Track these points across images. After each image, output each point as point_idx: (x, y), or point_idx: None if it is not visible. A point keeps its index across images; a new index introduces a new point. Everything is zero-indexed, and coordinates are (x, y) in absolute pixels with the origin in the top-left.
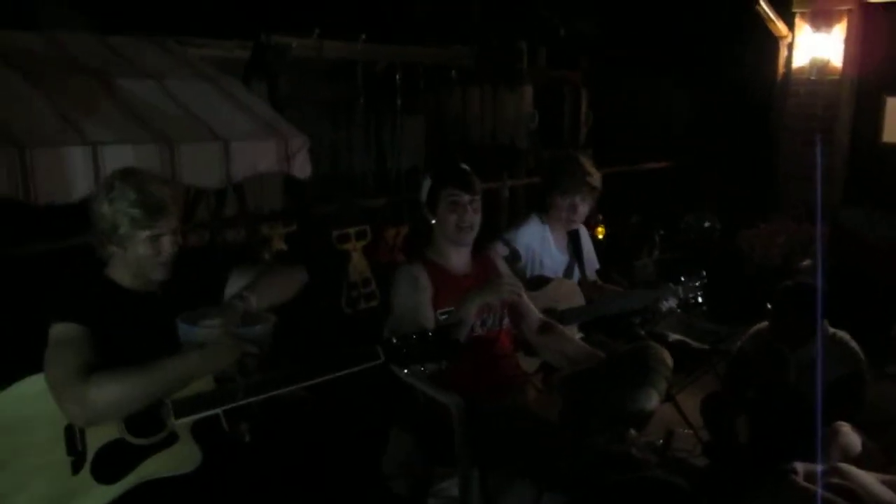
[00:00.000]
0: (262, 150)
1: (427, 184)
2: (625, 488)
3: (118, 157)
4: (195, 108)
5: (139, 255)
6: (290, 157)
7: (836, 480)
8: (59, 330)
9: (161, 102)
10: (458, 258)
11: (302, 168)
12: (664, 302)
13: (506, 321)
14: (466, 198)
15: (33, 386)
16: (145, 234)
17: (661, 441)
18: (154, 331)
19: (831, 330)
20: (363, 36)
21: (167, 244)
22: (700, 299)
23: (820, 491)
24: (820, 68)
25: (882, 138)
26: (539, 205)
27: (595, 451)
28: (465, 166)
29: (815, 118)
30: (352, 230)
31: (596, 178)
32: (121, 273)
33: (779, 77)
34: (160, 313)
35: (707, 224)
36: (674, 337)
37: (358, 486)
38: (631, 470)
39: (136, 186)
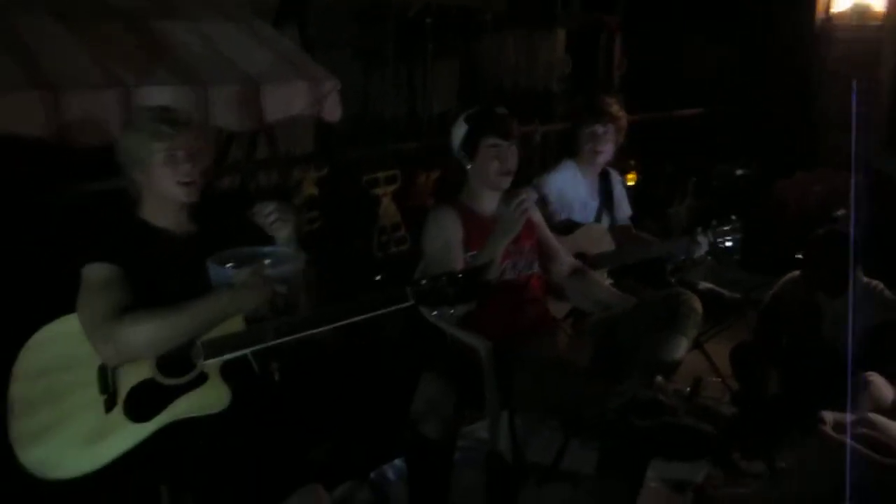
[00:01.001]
0: (294, 93)
1: (462, 129)
2: (652, 434)
3: (151, 98)
4: (227, 50)
5: (160, 176)
6: (320, 100)
7: (865, 431)
8: (91, 271)
9: (194, 44)
10: (490, 201)
11: (332, 111)
12: (695, 249)
13: (536, 265)
14: (506, 144)
15: (69, 326)
16: (164, 146)
17: (690, 389)
18: (186, 271)
19: (865, 279)
20: None
21: (185, 160)
22: (730, 245)
23: (849, 441)
24: (861, 13)
25: None
26: (570, 151)
27: (623, 397)
28: (502, 110)
29: (856, 64)
30: (381, 175)
31: (615, 107)
32: (153, 210)
33: (819, 22)
34: (193, 254)
35: (741, 172)
36: (704, 285)
37: (387, 427)
38: (659, 416)
39: (157, 108)
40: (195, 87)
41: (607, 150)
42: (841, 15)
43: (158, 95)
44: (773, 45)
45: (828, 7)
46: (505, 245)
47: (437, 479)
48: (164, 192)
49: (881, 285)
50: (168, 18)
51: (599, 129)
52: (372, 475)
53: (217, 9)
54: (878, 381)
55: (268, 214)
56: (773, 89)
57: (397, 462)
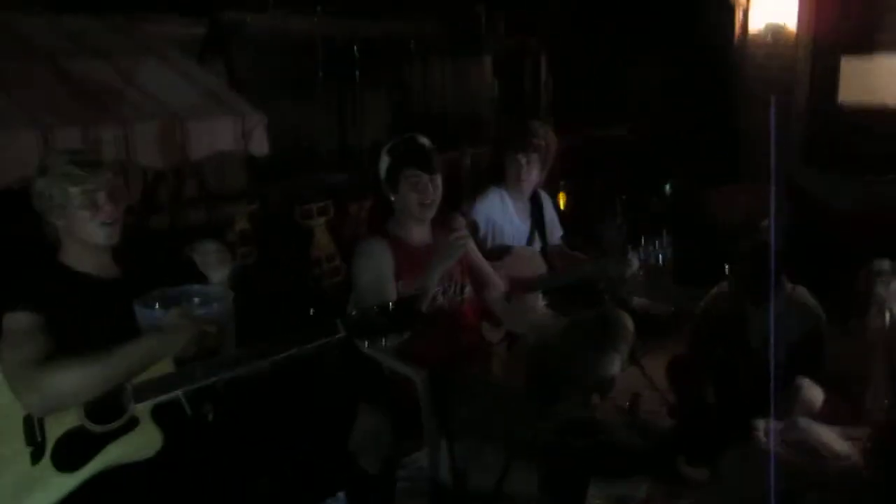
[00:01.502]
0: (219, 128)
1: (385, 161)
2: (589, 453)
3: (71, 137)
4: (148, 86)
5: (79, 219)
6: (246, 135)
7: (797, 437)
8: (11, 320)
9: (112, 82)
10: (419, 231)
11: (259, 145)
12: (627, 267)
13: (468, 290)
14: (426, 177)
15: None
16: (79, 189)
17: (628, 404)
18: (112, 315)
19: (790, 286)
20: (319, 8)
21: (105, 202)
22: (661, 262)
23: (780, 448)
24: (775, 32)
25: (838, 99)
26: (499, 174)
27: (560, 417)
28: (423, 141)
29: (772, 83)
30: (314, 206)
31: (541, 135)
32: (74, 254)
33: (737, 42)
34: (119, 297)
35: (669, 188)
36: (637, 301)
37: (327, 461)
38: (595, 435)
39: (68, 151)
40: (115, 125)
41: (532, 178)
42: (756, 35)
43: (78, 134)
44: (696, 65)
45: (745, 27)
46: (440, 274)
47: None
48: (85, 235)
49: (805, 292)
50: (88, 55)
51: (522, 156)
52: None
53: (138, 43)
54: (807, 385)
55: (209, 253)
56: (696, 108)
57: (340, 495)
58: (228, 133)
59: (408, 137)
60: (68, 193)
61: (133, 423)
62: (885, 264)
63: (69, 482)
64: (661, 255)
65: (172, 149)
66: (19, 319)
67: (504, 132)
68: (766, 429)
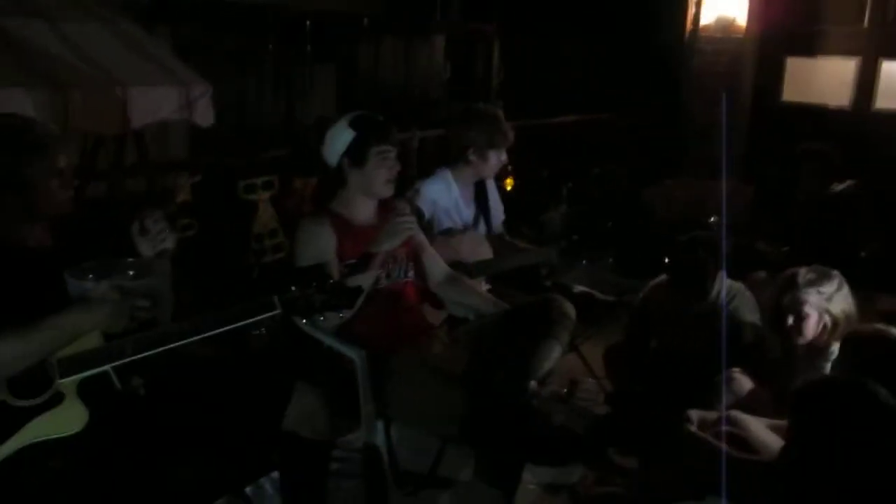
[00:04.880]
0: (162, 97)
1: (348, 135)
2: (525, 439)
3: (6, 102)
4: (90, 51)
5: (9, 203)
6: (191, 104)
7: (727, 428)
8: None
9: (52, 45)
10: (366, 210)
11: (204, 116)
12: (569, 255)
13: (411, 273)
14: (394, 152)
15: None
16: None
17: (566, 390)
18: (41, 286)
19: (728, 282)
20: None
21: (47, 187)
22: (602, 251)
23: (711, 438)
24: (725, 26)
25: (782, 97)
26: (447, 157)
27: (498, 403)
28: (382, 118)
29: (720, 76)
30: (258, 180)
31: (510, 131)
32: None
33: (687, 34)
34: (50, 268)
35: (614, 179)
36: (579, 288)
37: (262, 440)
38: (532, 421)
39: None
40: (55, 89)
41: (496, 169)
42: (706, 27)
43: (15, 98)
44: (647, 54)
45: (695, 19)
46: (383, 255)
47: (313, 490)
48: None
49: (743, 287)
50: (25, 17)
51: (494, 154)
52: (248, 490)
53: (81, 7)
54: (740, 377)
55: (150, 224)
56: (645, 97)
57: (274, 475)
58: (172, 102)
59: (369, 113)
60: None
61: (58, 399)
62: (811, 271)
63: None
64: (603, 245)
65: (113, 116)
66: None
67: (471, 124)
68: (699, 419)
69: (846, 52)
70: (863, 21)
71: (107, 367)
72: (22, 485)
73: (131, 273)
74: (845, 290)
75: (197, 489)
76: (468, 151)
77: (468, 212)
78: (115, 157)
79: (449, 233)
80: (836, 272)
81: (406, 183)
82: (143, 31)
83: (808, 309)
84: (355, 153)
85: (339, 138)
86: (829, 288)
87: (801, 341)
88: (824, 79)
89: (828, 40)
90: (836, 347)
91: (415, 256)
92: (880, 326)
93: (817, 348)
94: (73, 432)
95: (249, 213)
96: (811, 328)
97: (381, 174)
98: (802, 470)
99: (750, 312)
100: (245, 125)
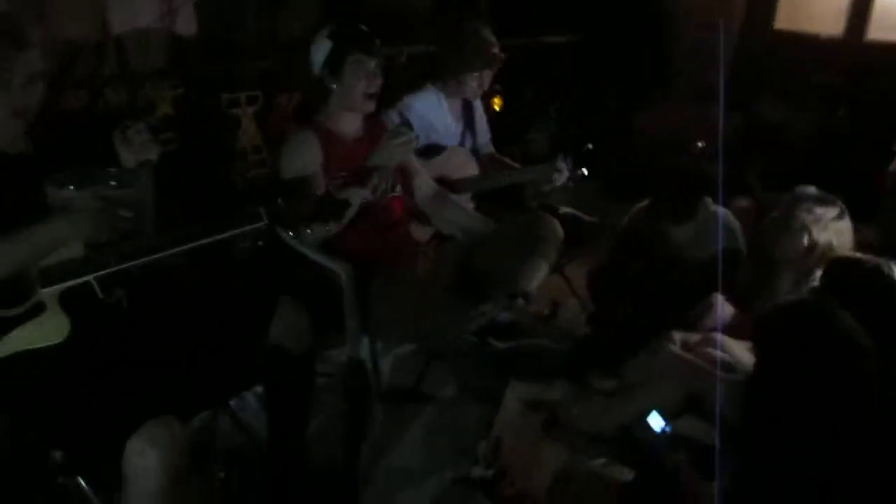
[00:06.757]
0: (142, 2)
1: (326, 45)
2: (510, 355)
3: None
4: None
5: None
6: (172, 12)
7: (709, 350)
8: None
9: None
10: (352, 123)
11: (187, 24)
12: (557, 176)
13: (398, 188)
14: (373, 63)
15: None
16: None
17: (549, 311)
18: (20, 194)
19: (712, 208)
20: None
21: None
22: (586, 173)
23: (692, 358)
24: None
25: (774, 26)
26: (435, 73)
27: (483, 319)
28: (365, 27)
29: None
30: (243, 95)
31: (494, 52)
32: None
33: None
34: (29, 176)
35: (604, 100)
36: (565, 210)
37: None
38: (517, 338)
39: None
40: None
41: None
42: None
43: None
44: None
45: None
46: (382, 172)
47: (296, 404)
48: None
49: (727, 212)
50: None
51: (486, 74)
52: (232, 403)
53: None
54: (721, 302)
55: (134, 135)
56: (639, 21)
57: (258, 389)
58: (153, 8)
59: (348, 22)
60: None
61: (39, 309)
62: (811, 190)
63: None
64: (590, 167)
65: (91, 22)
66: None
67: (461, 44)
68: (681, 341)
69: None
70: None
71: (89, 278)
72: (5, 393)
73: (113, 183)
74: (843, 223)
75: (180, 402)
76: (462, 74)
77: (456, 128)
78: (94, 65)
79: (437, 148)
80: (838, 201)
81: (394, 99)
82: None
83: (795, 225)
84: (332, 64)
85: (320, 49)
86: (823, 211)
87: (781, 257)
88: (818, 7)
89: None
90: (819, 275)
91: (402, 172)
92: (861, 255)
93: (800, 273)
94: (54, 343)
95: (233, 127)
96: (794, 246)
97: (359, 87)
98: (765, 390)
99: (733, 238)
100: (229, 37)
